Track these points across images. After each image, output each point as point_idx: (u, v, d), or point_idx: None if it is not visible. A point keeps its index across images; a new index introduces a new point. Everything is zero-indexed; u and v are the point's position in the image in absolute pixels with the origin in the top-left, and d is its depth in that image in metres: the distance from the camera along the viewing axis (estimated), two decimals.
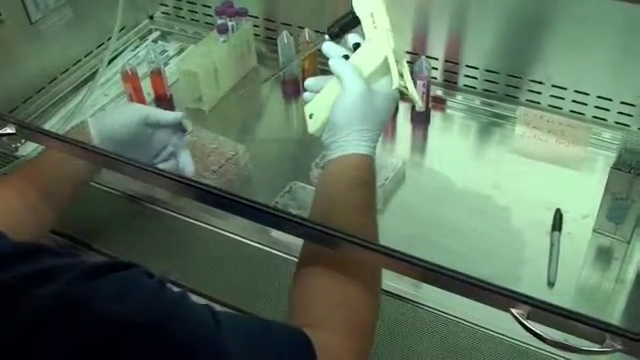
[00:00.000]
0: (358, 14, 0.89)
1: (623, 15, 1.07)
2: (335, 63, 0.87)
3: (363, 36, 0.89)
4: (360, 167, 0.83)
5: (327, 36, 0.92)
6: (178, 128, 1.00)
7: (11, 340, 0.53)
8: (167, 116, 0.98)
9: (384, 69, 0.86)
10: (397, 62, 0.86)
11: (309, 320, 0.69)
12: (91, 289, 0.55)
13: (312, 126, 0.90)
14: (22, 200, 0.87)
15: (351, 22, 0.90)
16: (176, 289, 0.61)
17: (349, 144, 0.83)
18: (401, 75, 0.87)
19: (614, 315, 0.93)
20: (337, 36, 0.91)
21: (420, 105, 0.94)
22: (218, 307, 1.01)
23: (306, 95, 0.92)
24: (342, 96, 0.85)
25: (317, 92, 0.91)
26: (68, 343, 0.53)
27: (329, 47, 0.91)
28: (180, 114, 0.99)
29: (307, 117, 0.91)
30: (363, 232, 0.74)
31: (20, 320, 0.53)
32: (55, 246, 0.61)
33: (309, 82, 0.92)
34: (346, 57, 0.88)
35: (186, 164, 0.99)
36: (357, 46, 0.89)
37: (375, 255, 0.67)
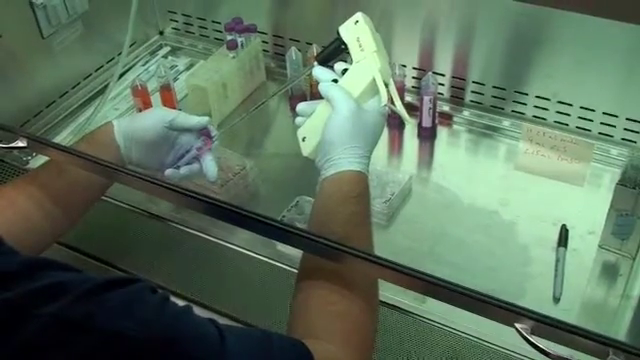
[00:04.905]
0: (345, 40, 0.92)
1: (629, 33, 1.07)
2: (325, 87, 0.90)
3: (351, 61, 0.93)
4: (353, 182, 0.84)
5: (316, 62, 0.96)
6: (203, 133, 1.01)
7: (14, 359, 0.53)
8: (192, 121, 0.99)
9: (373, 89, 0.89)
10: (385, 82, 0.89)
11: (309, 331, 0.70)
12: (94, 306, 0.55)
13: (306, 149, 0.93)
14: (37, 207, 0.88)
15: (338, 49, 0.94)
16: (181, 303, 0.61)
17: (342, 161, 0.85)
18: (389, 93, 0.90)
19: (619, 331, 0.93)
20: (326, 62, 0.95)
21: (409, 121, 0.98)
22: (223, 320, 1.02)
23: (298, 120, 0.95)
24: (333, 116, 0.87)
25: (308, 116, 0.93)
26: None
27: (319, 72, 0.94)
28: (206, 119, 1.00)
29: (300, 140, 0.93)
30: (357, 242, 0.75)
31: (23, 340, 0.53)
32: (62, 260, 0.61)
33: (300, 106, 0.95)
34: (335, 81, 0.92)
35: (209, 168, 1.00)
36: (345, 71, 0.92)
37: (381, 270, 0.67)
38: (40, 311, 0.54)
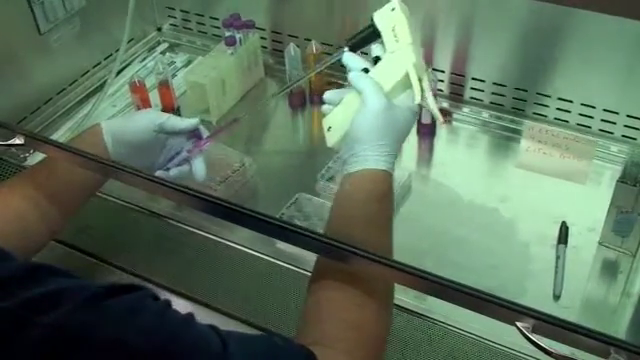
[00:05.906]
0: (379, 27, 0.87)
1: (630, 29, 1.07)
2: (355, 77, 0.85)
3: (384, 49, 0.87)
4: (377, 181, 0.81)
5: (346, 48, 0.90)
6: (194, 135, 1.00)
7: None
8: (183, 123, 0.98)
9: (405, 84, 0.84)
10: (419, 78, 0.84)
11: (320, 338, 0.68)
12: (95, 314, 0.55)
13: (330, 139, 0.88)
14: (33, 207, 0.87)
15: (371, 35, 0.88)
16: (183, 310, 0.60)
17: (368, 159, 0.81)
18: (422, 90, 0.85)
19: (619, 328, 0.93)
20: (356, 48, 0.90)
21: (441, 121, 0.91)
22: (222, 318, 1.02)
23: (324, 107, 0.90)
24: (362, 111, 0.83)
25: (336, 104, 0.89)
26: None
27: (349, 59, 0.88)
28: (196, 121, 0.99)
29: (325, 130, 0.89)
30: (377, 246, 0.72)
31: (23, 351, 0.52)
32: (57, 265, 0.60)
33: (328, 94, 0.90)
34: (366, 70, 0.87)
35: (199, 170, 0.99)
36: (377, 59, 0.87)
37: (381, 268, 0.67)
38: (40, 320, 0.53)
